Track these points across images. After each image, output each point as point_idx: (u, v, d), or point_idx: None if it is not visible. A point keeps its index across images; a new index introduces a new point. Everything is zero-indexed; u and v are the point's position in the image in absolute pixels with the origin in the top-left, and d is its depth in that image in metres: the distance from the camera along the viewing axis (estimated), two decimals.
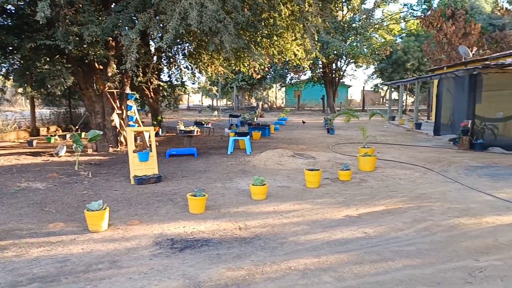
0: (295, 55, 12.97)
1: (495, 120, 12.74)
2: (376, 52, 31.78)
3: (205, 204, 5.62)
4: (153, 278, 3.54)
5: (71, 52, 9.84)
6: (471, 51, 21.72)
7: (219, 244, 4.38)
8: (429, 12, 30.12)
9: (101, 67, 11.36)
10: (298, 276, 3.61)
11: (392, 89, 28.55)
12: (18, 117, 16.57)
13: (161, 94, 18.28)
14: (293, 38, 11.80)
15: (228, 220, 5.22)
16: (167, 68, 17.54)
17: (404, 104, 32.54)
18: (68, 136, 13.66)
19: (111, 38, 10.41)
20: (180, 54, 16.85)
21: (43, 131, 16.08)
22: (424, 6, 32.85)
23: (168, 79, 17.92)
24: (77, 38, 8.58)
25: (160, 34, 8.70)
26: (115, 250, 4.19)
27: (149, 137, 8.49)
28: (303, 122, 23.16)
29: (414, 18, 34.91)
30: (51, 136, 13.72)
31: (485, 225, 5.01)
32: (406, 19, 36.62)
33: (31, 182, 7.28)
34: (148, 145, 12.37)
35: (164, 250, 4.20)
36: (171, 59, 16.74)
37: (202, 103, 52.67)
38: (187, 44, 15.50)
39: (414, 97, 23.71)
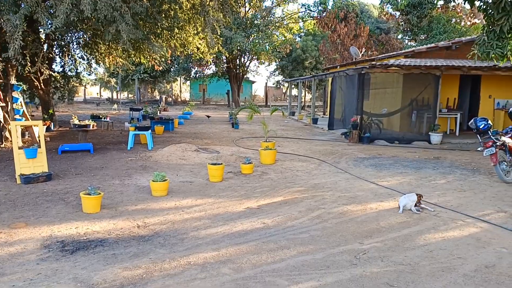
0: (198, 48, 12.88)
1: (380, 116, 14.05)
2: (277, 50, 32.94)
3: (101, 203, 5.34)
4: (40, 284, 3.28)
5: None
6: (361, 51, 23.66)
7: (115, 243, 4.20)
8: (324, 14, 32.04)
9: None
10: (197, 270, 3.62)
11: (292, 86, 29.88)
12: None
13: (53, 86, 16.86)
14: (195, 31, 11.70)
15: (126, 218, 5.03)
16: (60, 58, 16.22)
17: (303, 100, 34.27)
18: None
19: None
20: (75, 43, 15.69)
21: None
22: (320, 8, 34.80)
23: (61, 69, 16.60)
24: None
25: (50, 21, 7.99)
26: None
27: (39, 132, 7.78)
28: (208, 117, 23.17)
29: (311, 18, 36.84)
30: None
31: (369, 211, 5.53)
32: (304, 19, 38.47)
33: None
34: (38, 141, 11.39)
35: (53, 253, 3.91)
36: (64, 48, 15.50)
37: (100, 96, 49.70)
38: (82, 33, 14.48)
39: (312, 94, 25.09)
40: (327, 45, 31.78)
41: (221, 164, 7.26)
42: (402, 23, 31.93)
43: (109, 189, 6.35)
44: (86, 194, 5.23)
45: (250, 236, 4.48)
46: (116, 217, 5.07)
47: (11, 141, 10.59)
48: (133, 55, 13.58)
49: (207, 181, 7.11)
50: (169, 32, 11.28)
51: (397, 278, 3.56)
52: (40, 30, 11.96)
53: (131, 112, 17.62)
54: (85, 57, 16.18)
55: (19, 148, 6.92)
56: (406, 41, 34.20)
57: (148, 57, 13.43)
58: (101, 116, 15.31)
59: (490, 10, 7.73)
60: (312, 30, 39.79)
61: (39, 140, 7.24)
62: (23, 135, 10.95)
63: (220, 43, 12.80)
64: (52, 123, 14.68)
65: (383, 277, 3.56)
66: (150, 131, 10.88)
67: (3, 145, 10.11)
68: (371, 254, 4.05)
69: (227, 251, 4.05)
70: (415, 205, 5.53)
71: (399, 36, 33.12)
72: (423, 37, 31.41)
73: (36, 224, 4.70)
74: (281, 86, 51.46)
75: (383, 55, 19.96)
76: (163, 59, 13.87)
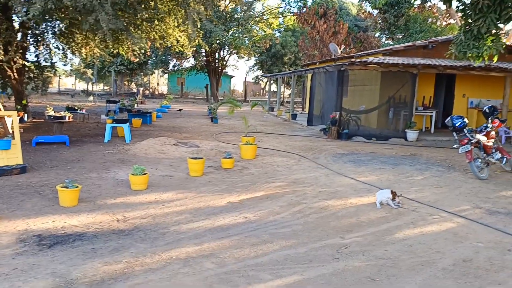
0: (178, 41, 12.70)
1: (358, 112, 14.23)
2: (257, 45, 32.87)
3: (78, 196, 5.21)
4: (17, 279, 3.17)
5: None
6: (340, 48, 23.85)
7: (95, 238, 4.11)
8: (304, 10, 32.11)
9: None
10: (180, 265, 3.58)
11: (272, 81, 29.91)
12: None
13: (27, 76, 16.31)
14: (176, 24, 11.52)
15: (105, 212, 4.92)
16: (35, 47, 15.70)
17: (282, 96, 34.38)
18: None
19: None
20: (50, 33, 15.20)
21: None
22: (300, 3, 34.88)
23: (35, 59, 16.05)
24: None
25: (25, 8, 7.71)
26: None
27: (12, 123, 7.51)
28: (180, 110, 22.98)
29: (291, 14, 36.90)
30: None
31: (349, 206, 5.59)
32: (284, 15, 38.49)
33: None
34: (10, 132, 11.02)
35: (30, 247, 3.79)
36: (39, 38, 15.00)
37: (75, 88, 48.53)
38: (58, 22, 14.05)
39: (291, 89, 25.18)
40: (307, 41, 31.89)
41: (202, 158, 7.20)
42: (380, 21, 32.37)
43: (86, 183, 6.21)
44: (63, 187, 5.10)
45: (232, 231, 4.46)
46: (95, 211, 4.96)
47: None
48: (111, 46, 13.29)
49: (187, 176, 7.04)
50: (149, 24, 11.08)
51: (379, 272, 3.61)
52: (14, 18, 11.55)
53: (107, 104, 17.27)
54: (60, 47, 15.72)
55: None
56: (384, 39, 34.72)
57: (127, 48, 13.15)
58: (76, 108, 14.94)
59: (468, 11, 7.90)
60: (292, 26, 39.86)
61: (13, 131, 7.00)
62: None
63: (201, 36, 12.66)
64: (25, 114, 14.22)
65: (365, 271, 3.61)
66: (128, 124, 10.69)
67: None
68: (353, 249, 4.10)
69: (210, 246, 4.02)
70: (392, 200, 5.62)
71: (377, 34, 33.58)
72: (400, 36, 31.93)
73: (11, 218, 4.54)
74: (260, 81, 51.46)
75: (362, 52, 20.19)
76: (142, 51, 13.62)
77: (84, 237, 4.10)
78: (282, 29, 40.67)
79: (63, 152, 8.78)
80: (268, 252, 3.92)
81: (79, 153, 8.76)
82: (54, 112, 11.18)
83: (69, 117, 10.95)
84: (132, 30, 10.49)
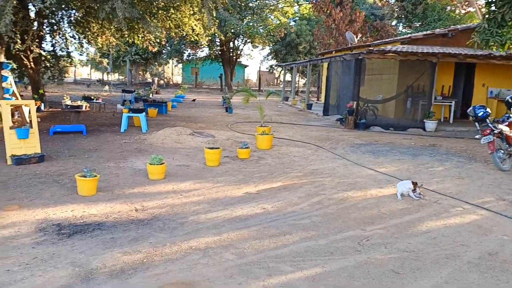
0: (193, 30, 12.60)
1: (375, 102, 13.99)
2: (271, 33, 32.56)
3: (97, 185, 5.21)
4: (37, 268, 3.17)
5: None
6: (356, 37, 23.45)
7: (114, 227, 4.10)
8: None
9: None
10: (199, 255, 3.54)
11: (286, 71, 29.65)
12: None
13: (43, 65, 16.45)
14: (191, 12, 11.42)
15: (123, 201, 4.91)
16: (51, 36, 15.79)
17: (296, 85, 34.10)
18: None
19: None
20: (66, 22, 15.25)
21: None
22: None
23: (51, 48, 16.16)
24: None
25: None
26: None
27: (29, 112, 7.54)
28: (193, 100, 22.98)
29: (307, 2, 36.40)
30: None
31: (369, 197, 5.48)
32: (299, 3, 38.00)
33: None
34: (28, 121, 11.13)
35: (49, 236, 3.79)
36: (55, 27, 15.07)
37: (90, 77, 48.93)
38: (74, 11, 14.08)
39: (306, 79, 24.93)
40: (322, 30, 31.47)
41: (219, 148, 7.15)
42: (397, 9, 31.73)
43: (104, 172, 6.21)
44: (82, 176, 5.09)
45: (251, 221, 4.40)
46: (113, 200, 4.95)
47: (1, 121, 10.34)
48: (127, 35, 13.27)
49: (204, 165, 7.00)
50: (165, 12, 10.99)
51: (402, 265, 3.52)
52: (30, 7, 11.58)
53: (123, 94, 17.32)
54: (76, 36, 15.77)
55: (10, 128, 6.72)
56: (401, 27, 34.06)
57: (143, 37, 13.11)
58: (92, 98, 15.03)
59: None
60: (307, 14, 39.36)
61: (31, 121, 7.03)
62: (12, 115, 10.67)
63: (216, 24, 12.55)
64: (42, 104, 14.36)
65: (388, 264, 3.52)
66: (144, 113, 10.68)
67: None
68: (375, 241, 4.00)
69: (229, 236, 3.97)
70: (413, 192, 5.49)
71: (394, 23, 32.96)
72: (418, 25, 31.26)
73: (30, 207, 4.56)
74: (274, 71, 51.10)
75: (380, 41, 19.83)
76: (157, 40, 13.56)
77: (103, 227, 4.09)
78: (297, 18, 40.20)
79: (80, 141, 8.82)
80: (288, 244, 3.85)
81: (96, 142, 8.79)
82: (71, 102, 11.23)
83: (85, 106, 10.99)
84: (148, 18, 10.42)
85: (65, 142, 8.62)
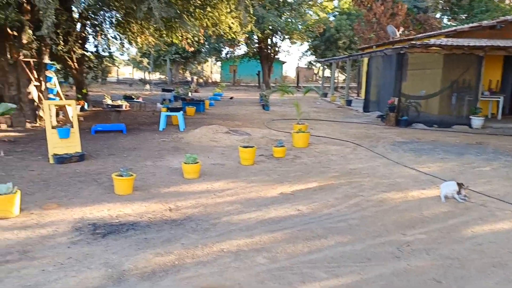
0: (230, 28, 12.59)
1: (418, 98, 13.41)
2: (310, 29, 32.14)
3: (133, 185, 5.27)
4: (70, 269, 3.21)
5: None
6: (398, 31, 22.66)
7: (147, 227, 4.11)
8: None
9: (15, 33, 10.18)
10: (231, 258, 3.47)
11: (325, 66, 29.17)
12: None
13: (87, 66, 17.04)
14: (228, 9, 11.39)
15: (158, 201, 4.94)
16: (93, 37, 16.32)
17: (336, 81, 33.50)
18: None
19: (25, 1, 9.33)
20: (107, 23, 15.71)
21: None
22: None
23: (94, 49, 16.71)
24: None
25: None
26: (27, 238, 3.76)
27: (72, 112, 7.78)
28: (231, 98, 23.05)
29: None
30: None
31: (411, 199, 5.22)
32: None
33: None
34: (71, 120, 11.54)
35: (84, 236, 3.85)
36: (97, 28, 15.55)
37: (133, 77, 50.36)
38: (114, 12, 14.45)
39: (346, 74, 24.40)
40: (363, 24, 30.72)
41: (253, 147, 7.07)
42: (441, 1, 30.41)
43: (141, 171, 6.30)
44: (118, 175, 5.17)
45: (284, 224, 4.29)
46: (148, 199, 4.99)
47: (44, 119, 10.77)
48: (165, 35, 13.46)
49: (239, 164, 6.94)
50: (202, 11, 11.03)
51: (445, 273, 3.30)
52: (73, 9, 11.96)
53: (163, 93, 17.62)
54: (117, 37, 16.20)
55: (53, 127, 6.95)
56: (445, 20, 32.63)
57: (181, 36, 13.24)
58: (133, 97, 15.39)
59: None
60: (347, 8, 38.55)
61: (72, 120, 7.24)
62: (57, 114, 11.09)
63: (253, 22, 12.47)
64: (86, 103, 14.88)
65: (430, 272, 3.31)
66: (182, 112, 10.79)
67: (37, 124, 10.26)
68: (415, 246, 3.78)
69: (261, 239, 3.88)
70: (458, 194, 5.17)
71: (438, 15, 31.62)
72: (464, 17, 29.85)
73: (68, 205, 4.67)
74: (313, 67, 50.52)
75: (423, 34, 19.03)
76: (195, 39, 13.66)
77: (137, 227, 4.11)
78: (336, 13, 39.46)
79: (120, 140, 9.02)
80: (322, 248, 3.71)
81: (136, 141, 8.96)
82: (112, 101, 11.53)
83: (125, 105, 11.24)
84: (185, 17, 10.49)
85: (106, 141, 8.84)
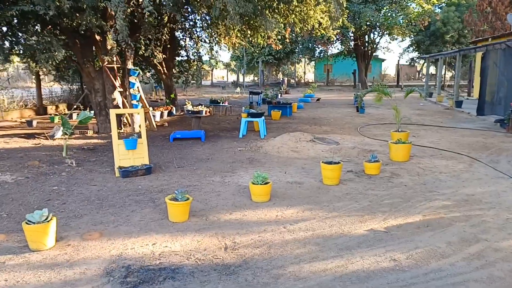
0: (320, 23, 11.38)
1: None
2: (413, 23, 29.38)
3: (189, 210, 4.45)
4: None
5: (63, 21, 8.77)
6: None
7: (191, 276, 3.20)
8: None
9: (102, 39, 10.21)
10: None
11: (430, 63, 26.30)
12: (27, 94, 15.79)
13: (177, 70, 17.11)
14: (316, 2, 10.20)
15: (214, 233, 4.03)
16: (183, 41, 16.30)
17: (442, 79, 30.23)
18: (74, 115, 12.73)
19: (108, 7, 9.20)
20: (198, 26, 15.46)
21: (51, 109, 15.28)
22: None
23: (184, 53, 16.67)
24: (58, 4, 7.34)
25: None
26: (48, 283, 3.09)
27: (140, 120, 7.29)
28: (318, 100, 21.60)
29: None
30: (55, 115, 12.85)
31: None
32: None
33: (1, 173, 6.31)
34: (155, 127, 11.34)
35: (112, 285, 3.06)
36: (187, 32, 15.42)
37: (227, 79, 51.42)
38: (204, 15, 14.12)
39: (454, 71, 21.59)
40: (474, 15, 27.18)
41: (339, 163, 5.84)
42: None
43: (206, 189, 5.50)
44: (173, 199, 4.38)
45: (373, 283, 3.08)
46: (204, 230, 4.11)
47: (129, 126, 10.67)
48: (249, 35, 12.73)
49: (320, 183, 5.79)
50: (287, 6, 10.00)
51: None
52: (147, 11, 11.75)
53: (250, 95, 17.01)
54: (207, 40, 15.91)
55: (119, 138, 6.48)
56: None
57: (265, 35, 12.38)
58: (219, 101, 14.99)
59: None
60: None
61: (140, 130, 6.73)
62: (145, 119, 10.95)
63: (346, 15, 11.12)
64: (174, 108, 14.82)
65: None
66: (263, 117, 9.91)
67: (121, 131, 10.17)
68: None
69: None
70: None
71: None
72: None
73: (112, 235, 3.98)
74: (416, 64, 46.68)
75: None
76: (279, 37, 12.71)
77: (178, 274, 3.23)
78: (443, 4, 35.67)
79: (195, 149, 8.41)
80: None
81: (211, 150, 8.28)
82: (193, 106, 11.08)
83: (206, 111, 10.70)
84: (268, 14, 9.57)
85: (181, 150, 8.29)
